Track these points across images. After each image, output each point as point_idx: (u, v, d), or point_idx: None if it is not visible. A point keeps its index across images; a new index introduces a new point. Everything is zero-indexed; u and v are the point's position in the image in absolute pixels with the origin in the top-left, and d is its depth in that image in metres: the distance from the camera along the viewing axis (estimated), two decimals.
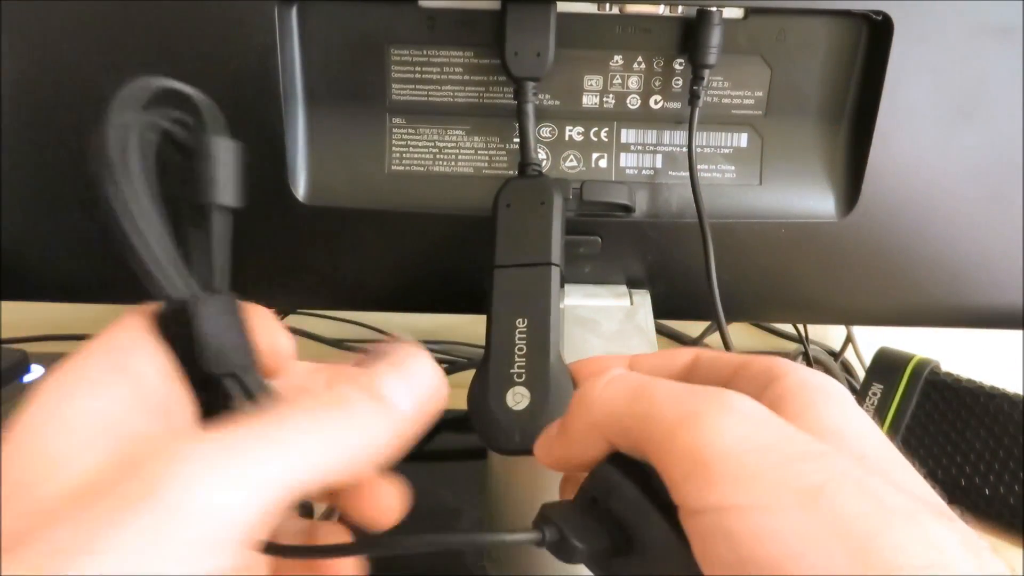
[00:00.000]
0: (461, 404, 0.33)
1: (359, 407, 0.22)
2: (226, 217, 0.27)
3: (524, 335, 0.32)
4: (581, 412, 0.24)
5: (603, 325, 0.40)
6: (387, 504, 0.25)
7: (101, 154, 0.23)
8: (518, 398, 0.31)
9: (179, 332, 0.23)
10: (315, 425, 0.21)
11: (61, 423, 0.20)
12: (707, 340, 0.64)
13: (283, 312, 0.61)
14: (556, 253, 0.35)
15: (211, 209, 0.27)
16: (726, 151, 0.41)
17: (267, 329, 0.25)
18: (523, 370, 0.32)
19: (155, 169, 0.25)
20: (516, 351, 0.32)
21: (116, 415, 0.21)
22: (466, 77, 0.39)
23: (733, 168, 0.41)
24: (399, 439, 0.22)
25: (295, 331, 0.62)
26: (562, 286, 0.36)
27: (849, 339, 0.65)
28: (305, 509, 0.28)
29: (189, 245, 0.26)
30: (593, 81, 0.40)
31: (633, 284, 0.43)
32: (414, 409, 0.23)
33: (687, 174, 0.39)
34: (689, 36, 0.38)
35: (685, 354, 0.29)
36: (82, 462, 0.19)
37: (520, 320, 0.33)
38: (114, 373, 0.22)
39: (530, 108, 0.38)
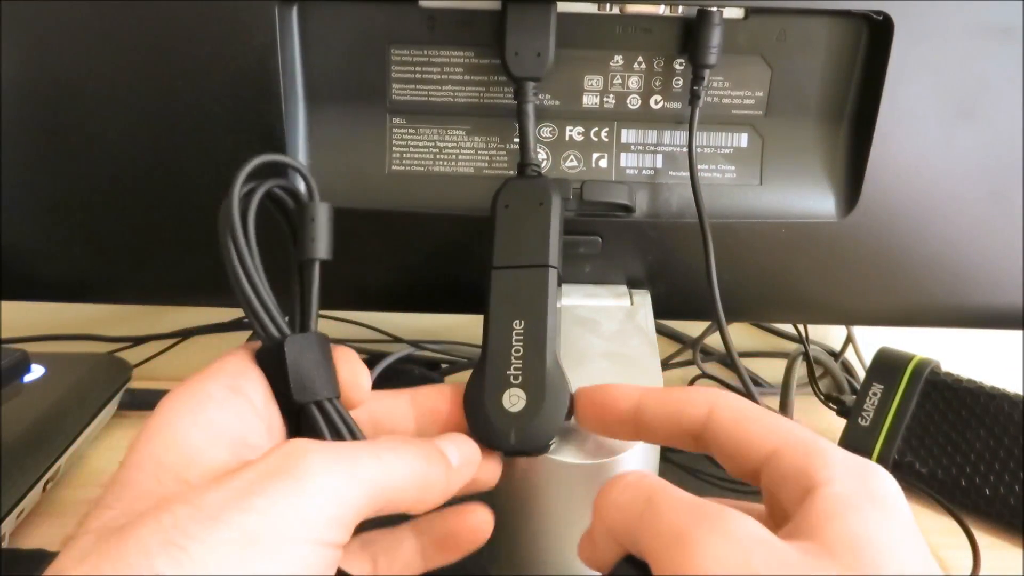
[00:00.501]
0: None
1: (428, 449, 0.28)
2: (318, 268, 0.32)
3: (521, 337, 0.32)
4: (598, 516, 0.26)
5: (603, 325, 0.40)
6: (476, 523, 0.31)
7: (228, 218, 0.28)
8: (514, 400, 0.31)
9: (274, 367, 0.29)
10: (400, 453, 0.26)
11: (197, 425, 0.25)
12: (707, 340, 0.64)
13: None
14: (554, 255, 0.35)
15: (311, 264, 0.32)
16: (726, 151, 0.41)
17: (350, 366, 0.31)
18: (519, 372, 0.32)
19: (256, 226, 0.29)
20: (513, 353, 0.32)
21: (235, 425, 0.26)
22: (466, 77, 0.40)
23: (733, 168, 0.41)
24: (449, 483, 0.28)
25: None
26: (559, 286, 0.36)
27: (849, 339, 0.65)
28: None
29: (289, 290, 0.31)
30: (593, 81, 0.40)
31: (633, 284, 0.43)
32: (460, 464, 0.29)
33: (687, 174, 0.40)
34: (689, 36, 0.38)
35: (699, 404, 0.27)
36: (213, 455, 0.25)
37: (517, 322, 0.33)
38: (232, 393, 0.27)
39: (530, 108, 0.38)
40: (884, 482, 0.23)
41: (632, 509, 0.24)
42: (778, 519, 0.24)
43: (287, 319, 0.30)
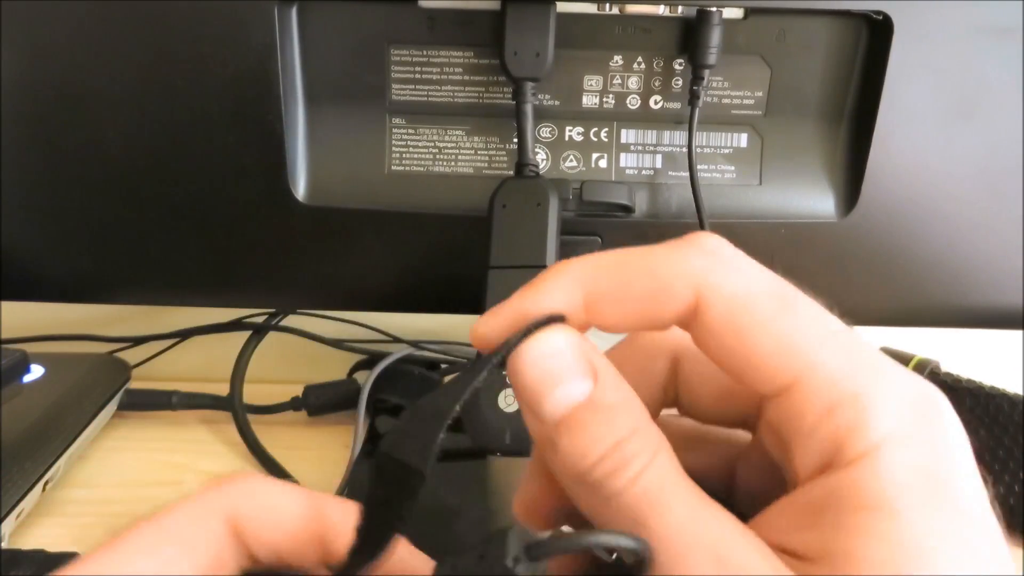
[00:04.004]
0: None
1: None
2: None
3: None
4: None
5: None
6: None
7: None
8: (509, 400, 0.31)
9: None
10: None
11: None
12: None
13: (283, 312, 0.61)
14: (551, 256, 0.35)
15: None
16: (726, 151, 0.41)
17: None
18: None
19: None
20: None
21: None
22: (466, 77, 0.39)
23: (733, 168, 0.41)
24: None
25: (295, 331, 0.62)
26: None
27: None
28: None
29: None
30: (593, 81, 0.40)
31: None
32: None
33: (687, 174, 0.39)
34: (689, 36, 0.38)
35: (680, 286, 0.17)
36: None
37: None
38: None
39: (528, 108, 0.38)
40: (953, 449, 0.16)
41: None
42: (768, 475, 0.18)
43: None
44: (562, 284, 0.18)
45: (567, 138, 0.41)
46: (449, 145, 0.40)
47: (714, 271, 0.17)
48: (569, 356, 0.17)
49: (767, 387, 0.16)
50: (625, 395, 0.17)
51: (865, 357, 0.16)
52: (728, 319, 0.16)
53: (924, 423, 0.16)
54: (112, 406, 0.54)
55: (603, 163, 0.41)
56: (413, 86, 0.40)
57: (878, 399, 0.16)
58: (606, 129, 0.41)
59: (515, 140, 0.40)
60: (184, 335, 0.63)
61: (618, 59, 0.39)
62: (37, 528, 0.45)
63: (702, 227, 0.39)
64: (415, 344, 0.62)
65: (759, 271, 0.17)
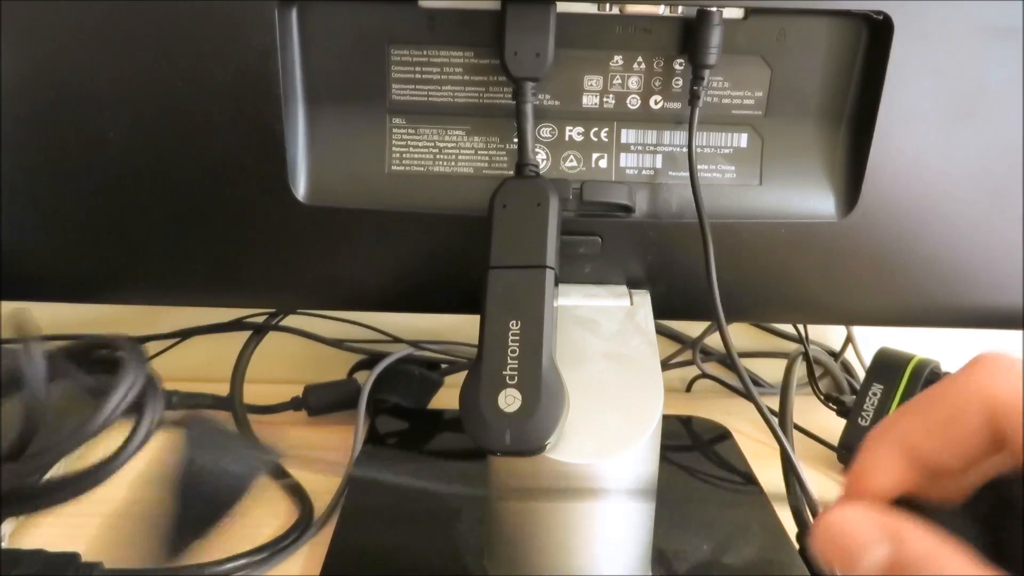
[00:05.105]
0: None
1: None
2: None
3: (517, 337, 0.32)
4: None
5: (603, 325, 0.40)
6: None
7: None
8: (510, 400, 0.31)
9: None
10: None
11: None
12: (707, 340, 0.64)
13: (283, 312, 0.61)
14: (551, 256, 0.35)
15: None
16: (726, 151, 0.41)
17: None
18: (515, 372, 0.32)
19: None
20: (509, 353, 0.32)
21: None
22: (466, 77, 0.39)
23: (733, 168, 0.41)
24: None
25: (295, 331, 0.62)
26: (556, 286, 0.36)
27: (849, 339, 0.65)
28: None
29: None
30: (593, 81, 0.40)
31: (633, 284, 0.43)
32: None
33: (687, 174, 0.40)
34: (689, 36, 0.38)
35: (971, 412, 0.20)
36: None
37: (514, 322, 0.33)
38: None
39: (528, 108, 0.38)
40: None
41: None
42: None
43: None
44: (883, 453, 0.21)
45: (567, 138, 0.41)
46: (449, 145, 0.40)
47: (995, 374, 0.20)
48: (860, 528, 0.19)
49: None
50: (931, 541, 0.19)
51: None
52: None
53: None
54: None
55: (603, 163, 0.41)
56: (413, 86, 0.40)
57: None
58: (606, 129, 0.41)
59: (515, 140, 0.40)
60: (184, 335, 0.63)
61: (618, 59, 0.39)
62: (37, 528, 0.45)
63: (702, 227, 0.39)
64: (415, 344, 0.62)
65: None
